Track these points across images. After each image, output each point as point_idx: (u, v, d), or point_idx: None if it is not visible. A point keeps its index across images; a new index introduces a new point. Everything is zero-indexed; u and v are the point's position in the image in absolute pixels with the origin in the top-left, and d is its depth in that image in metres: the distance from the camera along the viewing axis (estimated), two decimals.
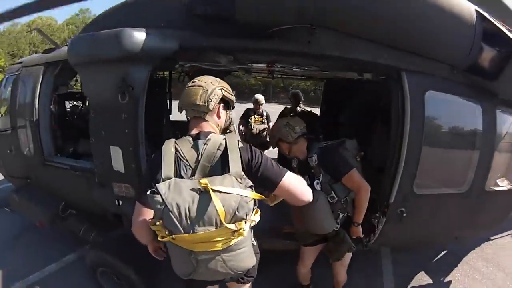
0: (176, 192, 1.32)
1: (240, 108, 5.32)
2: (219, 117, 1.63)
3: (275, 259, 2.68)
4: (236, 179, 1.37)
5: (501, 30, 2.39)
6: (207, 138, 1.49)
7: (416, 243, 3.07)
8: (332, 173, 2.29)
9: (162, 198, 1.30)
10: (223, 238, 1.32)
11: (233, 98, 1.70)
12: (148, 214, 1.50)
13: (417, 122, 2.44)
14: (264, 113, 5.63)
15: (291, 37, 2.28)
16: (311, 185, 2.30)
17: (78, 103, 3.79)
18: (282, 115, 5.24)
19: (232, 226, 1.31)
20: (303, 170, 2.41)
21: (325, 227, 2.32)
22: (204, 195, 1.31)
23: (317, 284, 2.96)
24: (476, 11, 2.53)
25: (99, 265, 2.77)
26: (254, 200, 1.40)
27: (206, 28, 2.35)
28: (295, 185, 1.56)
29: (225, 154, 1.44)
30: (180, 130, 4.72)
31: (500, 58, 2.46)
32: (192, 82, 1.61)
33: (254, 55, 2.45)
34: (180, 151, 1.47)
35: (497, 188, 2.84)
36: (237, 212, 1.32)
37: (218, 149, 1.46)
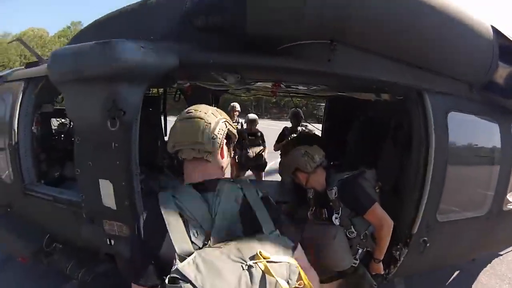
0: (213, 274, 0.79)
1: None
2: (222, 156, 1.11)
3: None
4: (276, 242, 0.93)
5: None
6: (217, 189, 0.99)
7: (432, 268, 2.64)
8: (353, 207, 1.88)
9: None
10: None
11: (235, 132, 1.19)
12: None
13: (442, 145, 2.02)
14: (259, 134, 4.85)
15: (309, 54, 1.80)
16: (329, 219, 1.93)
17: (66, 121, 3.10)
18: (282, 136, 4.65)
19: None
20: (320, 202, 1.96)
21: (343, 264, 1.89)
22: (253, 270, 0.82)
23: None
24: (492, 27, 2.16)
25: None
26: None
27: (209, 41, 1.84)
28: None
29: (244, 207, 0.99)
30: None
31: None
32: (187, 112, 1.09)
33: (265, 74, 1.94)
34: (185, 209, 0.94)
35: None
36: (289, 280, 0.87)
37: (235, 202, 0.99)
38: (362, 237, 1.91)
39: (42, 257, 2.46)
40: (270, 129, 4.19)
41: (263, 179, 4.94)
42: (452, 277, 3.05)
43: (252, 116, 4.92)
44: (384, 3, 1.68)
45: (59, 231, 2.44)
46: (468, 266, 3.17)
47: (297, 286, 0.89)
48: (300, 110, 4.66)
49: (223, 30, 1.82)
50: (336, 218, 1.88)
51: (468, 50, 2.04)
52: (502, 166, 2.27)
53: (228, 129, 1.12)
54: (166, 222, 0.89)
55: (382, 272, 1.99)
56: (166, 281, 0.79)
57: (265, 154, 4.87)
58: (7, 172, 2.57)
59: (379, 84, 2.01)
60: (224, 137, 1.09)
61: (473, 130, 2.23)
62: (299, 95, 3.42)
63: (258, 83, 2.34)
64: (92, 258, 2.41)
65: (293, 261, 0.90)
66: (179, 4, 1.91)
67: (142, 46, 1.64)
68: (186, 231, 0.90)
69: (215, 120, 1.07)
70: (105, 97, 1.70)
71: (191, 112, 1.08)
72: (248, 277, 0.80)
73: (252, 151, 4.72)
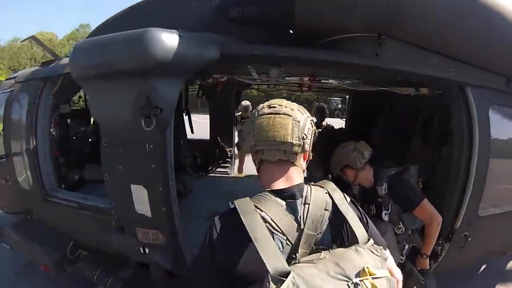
0: None
1: None
2: (305, 159, 0.86)
3: None
4: (374, 252, 0.73)
5: None
6: (304, 196, 0.78)
7: (470, 263, 2.40)
8: (402, 203, 1.67)
9: None
10: None
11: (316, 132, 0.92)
12: None
13: (484, 140, 1.77)
14: None
15: (355, 47, 1.50)
16: (377, 215, 1.71)
17: (82, 122, 2.69)
18: None
19: None
20: (368, 199, 1.69)
21: None
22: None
23: None
24: None
25: None
26: None
27: (249, 33, 1.51)
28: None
29: (333, 214, 0.79)
30: (198, 150, 3.57)
31: None
32: (270, 107, 0.81)
33: (308, 67, 1.63)
34: (269, 220, 0.73)
35: None
36: None
37: (325, 209, 0.78)
38: (409, 233, 1.72)
39: (65, 266, 2.10)
40: None
41: None
42: (480, 270, 2.78)
43: (245, 103, 4.50)
44: None
45: (84, 238, 2.07)
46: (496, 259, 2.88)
47: None
48: (325, 106, 4.21)
49: (265, 21, 1.50)
50: (385, 214, 1.67)
51: (507, 43, 1.79)
52: None
53: (314, 129, 0.85)
54: (252, 237, 0.68)
55: (428, 267, 1.78)
56: None
57: None
58: (25, 177, 2.18)
59: (421, 78, 1.74)
60: (312, 138, 0.82)
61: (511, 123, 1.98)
62: (324, 89, 3.03)
63: (291, 77, 2.02)
64: (118, 264, 2.06)
65: (389, 275, 0.71)
66: None
67: (181, 35, 1.30)
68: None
69: (303, 117, 0.80)
70: (137, 94, 1.36)
71: (274, 107, 0.80)
72: None
73: None
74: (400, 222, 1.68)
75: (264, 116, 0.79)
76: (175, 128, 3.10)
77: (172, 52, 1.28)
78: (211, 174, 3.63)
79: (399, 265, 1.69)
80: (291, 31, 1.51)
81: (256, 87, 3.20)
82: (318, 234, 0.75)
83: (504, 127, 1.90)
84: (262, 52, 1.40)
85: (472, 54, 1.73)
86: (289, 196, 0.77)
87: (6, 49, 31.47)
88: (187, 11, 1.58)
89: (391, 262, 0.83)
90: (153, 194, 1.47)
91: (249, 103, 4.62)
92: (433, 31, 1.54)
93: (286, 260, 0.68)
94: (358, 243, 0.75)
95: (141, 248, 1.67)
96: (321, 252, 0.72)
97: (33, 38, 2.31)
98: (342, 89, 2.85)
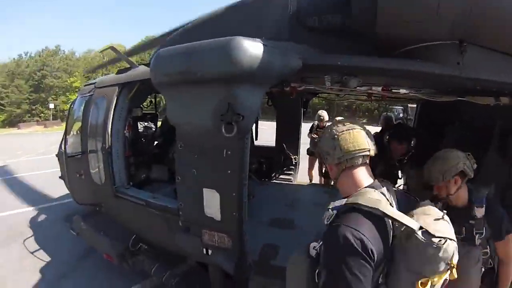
0: None
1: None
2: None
3: None
4: None
5: None
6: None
7: None
8: (493, 229, 1.33)
9: None
10: None
11: None
12: None
13: None
14: None
15: (436, 56, 1.26)
16: (469, 238, 1.34)
17: (150, 125, 2.68)
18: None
19: None
20: (460, 219, 1.31)
21: None
22: None
23: None
24: None
25: None
26: None
27: (328, 42, 1.33)
28: None
29: None
30: (263, 156, 3.26)
31: None
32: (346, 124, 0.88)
33: (387, 77, 1.42)
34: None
35: None
36: None
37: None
38: (493, 257, 1.38)
39: (127, 257, 2.02)
40: None
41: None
42: None
43: (322, 112, 4.26)
44: None
45: (147, 233, 1.99)
46: None
47: None
48: (392, 115, 3.82)
49: (344, 30, 1.33)
50: (479, 238, 1.32)
51: None
52: None
53: None
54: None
55: None
56: None
57: None
58: (98, 173, 2.17)
59: (502, 87, 1.44)
60: None
61: None
62: (391, 98, 2.65)
63: (363, 87, 1.80)
64: (174, 261, 1.94)
65: None
66: (284, 1, 1.44)
67: (265, 44, 1.17)
68: None
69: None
70: (220, 100, 1.24)
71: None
72: None
73: None
74: (488, 247, 1.35)
75: (345, 132, 0.84)
76: None
77: (258, 60, 1.15)
78: (274, 181, 3.39)
79: None
80: (370, 41, 1.32)
81: (325, 96, 2.93)
82: None
83: None
84: (345, 63, 1.22)
85: None
86: (377, 186, 0.86)
87: (81, 59, 33.85)
88: (264, 18, 1.45)
89: None
90: (225, 198, 1.33)
91: (326, 113, 4.36)
92: None
93: None
94: None
95: (205, 249, 1.53)
96: None
97: (111, 48, 2.36)
98: (410, 98, 2.50)
